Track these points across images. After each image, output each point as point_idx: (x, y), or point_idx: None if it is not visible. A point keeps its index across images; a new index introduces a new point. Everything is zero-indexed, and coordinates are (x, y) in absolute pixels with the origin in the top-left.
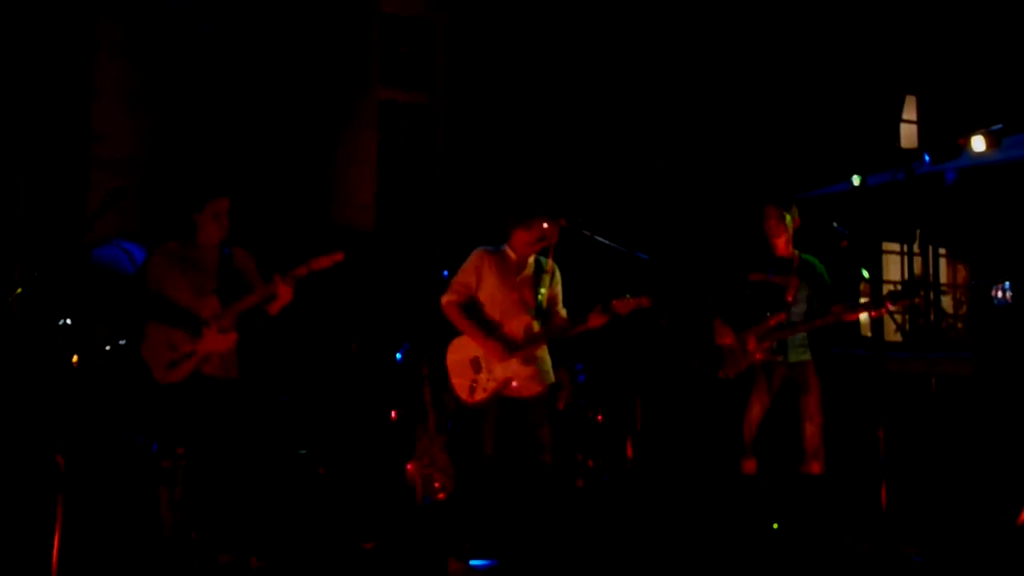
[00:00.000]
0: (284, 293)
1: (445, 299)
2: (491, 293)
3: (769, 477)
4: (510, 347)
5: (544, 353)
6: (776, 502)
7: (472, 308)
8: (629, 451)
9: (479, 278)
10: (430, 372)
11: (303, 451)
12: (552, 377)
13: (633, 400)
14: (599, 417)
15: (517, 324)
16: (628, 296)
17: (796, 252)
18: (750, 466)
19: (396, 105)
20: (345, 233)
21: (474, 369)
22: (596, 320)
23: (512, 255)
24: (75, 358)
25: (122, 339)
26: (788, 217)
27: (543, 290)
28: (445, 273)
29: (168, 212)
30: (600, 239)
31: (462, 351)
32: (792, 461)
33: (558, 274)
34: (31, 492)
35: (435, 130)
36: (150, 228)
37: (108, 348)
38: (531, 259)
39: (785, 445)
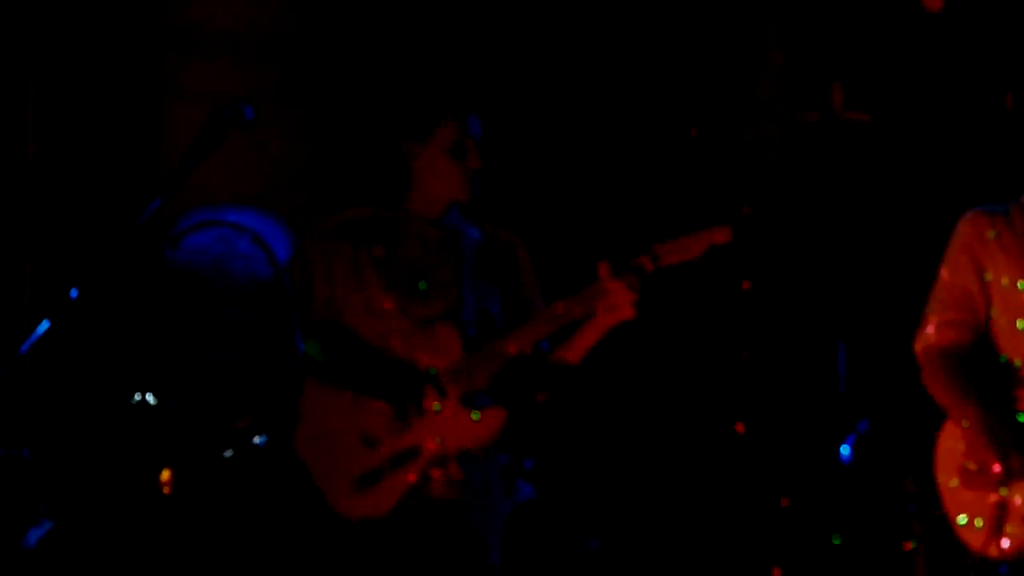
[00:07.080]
0: (617, 303)
1: (919, 344)
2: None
3: None
4: None
5: None
6: None
7: (973, 360)
8: None
9: (983, 284)
10: (918, 491)
11: None
12: None
13: None
14: None
15: None
16: None
17: None
18: None
19: None
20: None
21: (990, 481)
22: None
23: None
24: (165, 474)
25: (257, 431)
26: None
27: None
28: None
29: (342, 149)
30: None
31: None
32: None
33: None
34: None
35: None
36: (300, 188)
37: (232, 451)
38: None
39: None
